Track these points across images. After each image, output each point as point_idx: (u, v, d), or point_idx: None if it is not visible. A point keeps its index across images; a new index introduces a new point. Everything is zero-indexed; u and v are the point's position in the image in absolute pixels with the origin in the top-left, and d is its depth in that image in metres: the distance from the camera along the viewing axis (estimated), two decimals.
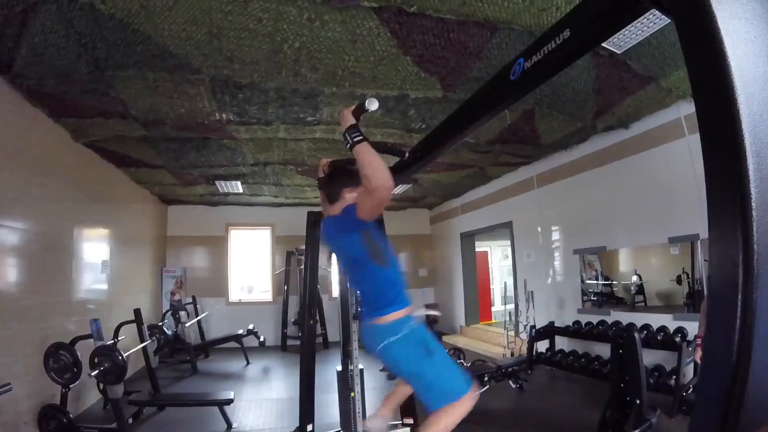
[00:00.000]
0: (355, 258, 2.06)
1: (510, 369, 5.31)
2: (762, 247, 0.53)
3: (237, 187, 7.71)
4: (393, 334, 1.98)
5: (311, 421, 3.33)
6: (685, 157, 4.45)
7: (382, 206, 1.84)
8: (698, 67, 0.70)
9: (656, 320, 4.90)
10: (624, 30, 2.89)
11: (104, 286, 5.90)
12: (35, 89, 3.76)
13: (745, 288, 0.53)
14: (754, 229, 0.54)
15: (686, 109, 4.54)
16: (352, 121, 1.86)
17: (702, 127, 0.70)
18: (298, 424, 3.37)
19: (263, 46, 3.23)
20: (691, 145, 4.39)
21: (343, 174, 2.22)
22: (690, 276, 4.72)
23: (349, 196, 2.10)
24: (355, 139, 1.77)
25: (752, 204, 0.55)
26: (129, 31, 2.95)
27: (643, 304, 5.37)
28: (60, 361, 3.84)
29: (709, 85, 0.67)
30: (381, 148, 2.31)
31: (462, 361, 6.21)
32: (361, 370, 3.43)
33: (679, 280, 4.85)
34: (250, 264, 10.34)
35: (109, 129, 4.70)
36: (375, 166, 1.70)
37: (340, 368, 3.58)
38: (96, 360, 3.84)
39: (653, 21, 3.01)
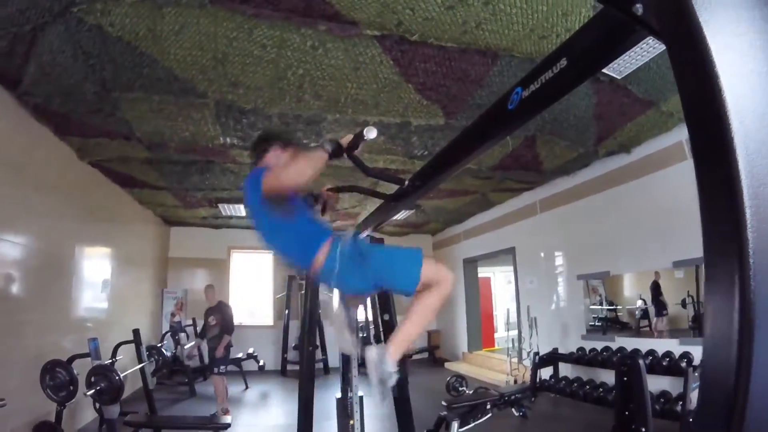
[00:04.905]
0: (266, 216, 2.01)
1: (513, 397, 5.20)
2: (760, 296, 0.50)
3: (239, 210, 7.73)
4: (331, 268, 1.93)
5: None
6: (687, 180, 4.41)
7: (282, 193, 1.90)
8: (691, 103, 0.67)
9: (661, 345, 4.83)
10: (623, 56, 2.91)
11: (104, 305, 5.87)
12: (42, 107, 3.81)
13: (742, 339, 0.50)
14: (752, 277, 0.51)
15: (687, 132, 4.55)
16: (339, 144, 1.97)
17: (697, 168, 0.66)
18: None
19: (267, 72, 3.28)
20: (693, 168, 4.37)
21: (273, 135, 2.27)
22: (695, 300, 4.66)
23: (271, 155, 2.16)
24: (324, 146, 1.92)
25: (750, 252, 0.52)
26: (136, 53, 3.00)
27: (648, 328, 5.30)
28: (56, 378, 3.79)
29: (702, 123, 0.63)
30: (381, 175, 2.31)
31: (464, 389, 6.10)
32: (361, 398, 3.35)
33: (684, 304, 4.78)
34: (251, 287, 10.27)
35: (114, 149, 4.75)
36: (305, 167, 1.85)
37: (339, 395, 3.52)
38: (92, 379, 3.78)
39: (653, 46, 3.01)
